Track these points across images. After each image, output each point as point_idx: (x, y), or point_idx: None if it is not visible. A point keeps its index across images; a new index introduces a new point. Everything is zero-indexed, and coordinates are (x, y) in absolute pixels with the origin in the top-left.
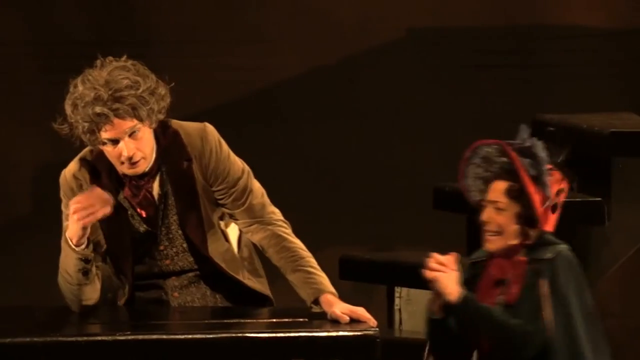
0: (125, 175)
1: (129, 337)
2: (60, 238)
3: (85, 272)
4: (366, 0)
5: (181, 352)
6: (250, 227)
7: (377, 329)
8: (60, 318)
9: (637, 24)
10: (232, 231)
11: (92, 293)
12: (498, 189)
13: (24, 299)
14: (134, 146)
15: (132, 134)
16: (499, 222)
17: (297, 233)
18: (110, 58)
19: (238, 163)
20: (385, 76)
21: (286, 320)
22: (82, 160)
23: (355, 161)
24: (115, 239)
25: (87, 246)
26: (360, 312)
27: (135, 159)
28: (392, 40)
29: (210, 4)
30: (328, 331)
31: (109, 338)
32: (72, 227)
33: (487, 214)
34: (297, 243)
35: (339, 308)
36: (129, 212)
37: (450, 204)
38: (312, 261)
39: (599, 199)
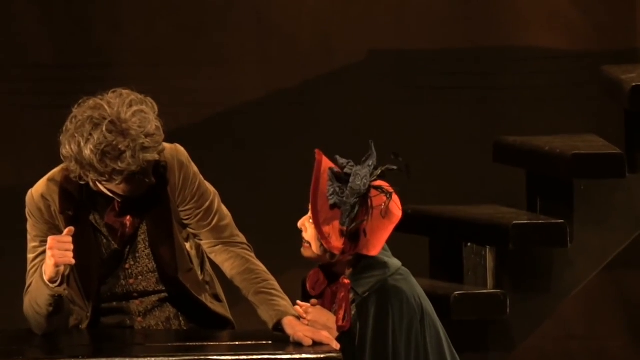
0: (110, 196)
1: None
2: (20, 258)
3: (56, 306)
4: (328, 23)
5: None
6: (215, 248)
7: (339, 352)
8: (23, 341)
9: (598, 45)
10: (195, 254)
11: (59, 320)
12: None
13: None
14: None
15: None
16: (308, 234)
17: (259, 256)
18: (119, 91)
19: (206, 184)
20: (347, 98)
21: (249, 342)
22: (51, 181)
23: None
24: (82, 259)
25: (60, 284)
26: (323, 335)
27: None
28: (353, 63)
29: (172, 26)
30: (291, 354)
31: None
32: (48, 263)
33: (302, 221)
34: (261, 266)
35: (302, 331)
36: (102, 230)
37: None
38: (275, 284)
39: (562, 221)
